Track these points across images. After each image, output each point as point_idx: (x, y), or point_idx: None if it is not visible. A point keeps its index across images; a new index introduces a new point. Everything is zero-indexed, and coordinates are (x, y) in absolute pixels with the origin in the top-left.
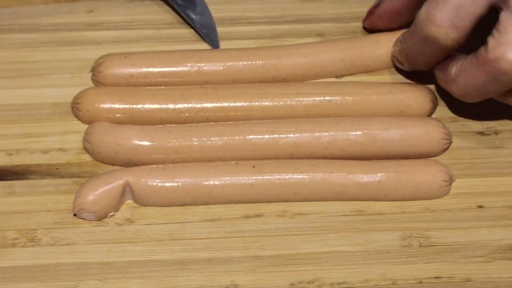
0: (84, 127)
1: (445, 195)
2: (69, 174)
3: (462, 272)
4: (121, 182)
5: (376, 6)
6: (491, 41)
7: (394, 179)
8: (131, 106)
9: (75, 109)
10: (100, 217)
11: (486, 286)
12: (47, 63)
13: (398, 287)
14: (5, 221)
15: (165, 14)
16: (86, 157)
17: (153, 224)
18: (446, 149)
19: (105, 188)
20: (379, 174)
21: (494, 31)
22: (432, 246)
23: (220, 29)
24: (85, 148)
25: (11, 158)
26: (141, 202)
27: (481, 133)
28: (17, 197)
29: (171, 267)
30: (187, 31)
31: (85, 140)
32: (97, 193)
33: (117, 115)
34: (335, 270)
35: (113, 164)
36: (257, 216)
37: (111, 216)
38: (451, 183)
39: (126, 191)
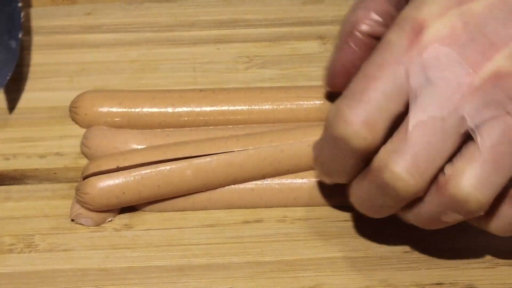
0: (82, 131)
1: None
2: (67, 179)
3: (464, 278)
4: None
5: (331, 62)
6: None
7: None
8: (129, 110)
9: (73, 113)
10: (98, 222)
11: None
12: (44, 66)
13: None
14: (1, 227)
15: (165, 17)
16: (84, 162)
17: (152, 229)
18: None
19: None
20: None
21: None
22: (434, 251)
23: (219, 32)
24: (83, 153)
25: (8, 162)
26: (139, 206)
27: None
28: (13, 202)
29: (169, 273)
30: (187, 34)
31: (83, 144)
32: None
33: (115, 119)
34: (336, 276)
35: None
36: (257, 221)
37: (109, 221)
38: None
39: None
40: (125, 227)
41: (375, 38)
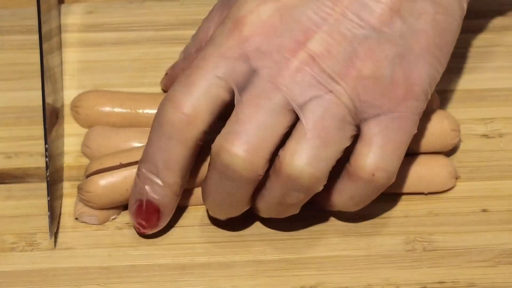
0: (83, 130)
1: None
2: (68, 177)
3: (466, 277)
4: None
5: (171, 68)
6: None
7: (401, 172)
8: (131, 111)
9: (74, 112)
10: (102, 221)
11: None
12: None
13: None
14: (3, 225)
15: (166, 16)
16: (85, 160)
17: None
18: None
19: None
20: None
21: None
22: (436, 250)
23: None
24: (84, 153)
25: (10, 161)
26: None
27: (485, 136)
28: (15, 200)
29: (172, 272)
30: (188, 33)
31: (84, 145)
32: None
33: (117, 119)
34: (338, 274)
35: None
36: (259, 219)
37: (113, 219)
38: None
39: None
40: (127, 226)
41: None
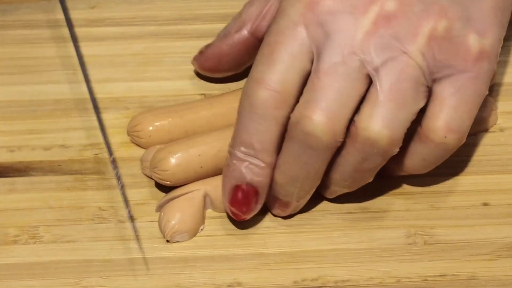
0: (89, 124)
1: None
2: (71, 171)
3: (467, 270)
4: (201, 194)
5: (207, 46)
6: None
7: None
8: (189, 122)
9: (135, 137)
10: (193, 235)
11: (491, 284)
12: (49, 59)
13: (402, 285)
14: (6, 218)
15: (169, 11)
16: (88, 154)
17: (156, 221)
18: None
19: (189, 205)
20: None
21: None
22: (437, 243)
23: (222, 25)
24: (159, 179)
25: (13, 154)
26: (221, 209)
27: (486, 130)
28: (18, 194)
29: (174, 265)
30: (190, 28)
31: (158, 169)
32: (184, 212)
33: (177, 134)
34: (339, 267)
35: (188, 182)
36: (261, 213)
37: (201, 230)
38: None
39: (206, 202)
40: (130, 219)
41: (259, 39)
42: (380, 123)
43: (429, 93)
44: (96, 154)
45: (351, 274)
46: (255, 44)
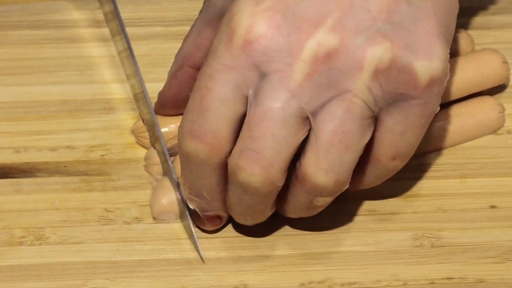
0: (93, 125)
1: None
2: (77, 172)
3: (474, 273)
4: None
5: (159, 93)
6: None
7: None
8: None
9: (140, 138)
10: (179, 216)
11: (499, 287)
12: (55, 60)
13: None
14: (12, 219)
15: (174, 11)
16: (94, 155)
17: (162, 223)
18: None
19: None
20: (440, 122)
21: None
22: (444, 246)
23: None
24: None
25: (19, 155)
26: None
27: (494, 132)
28: (24, 195)
29: (179, 266)
30: None
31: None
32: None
33: None
34: (346, 270)
35: None
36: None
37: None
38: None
39: None
40: (135, 220)
41: None
42: (325, 169)
43: (375, 120)
44: (102, 155)
45: (358, 276)
46: None
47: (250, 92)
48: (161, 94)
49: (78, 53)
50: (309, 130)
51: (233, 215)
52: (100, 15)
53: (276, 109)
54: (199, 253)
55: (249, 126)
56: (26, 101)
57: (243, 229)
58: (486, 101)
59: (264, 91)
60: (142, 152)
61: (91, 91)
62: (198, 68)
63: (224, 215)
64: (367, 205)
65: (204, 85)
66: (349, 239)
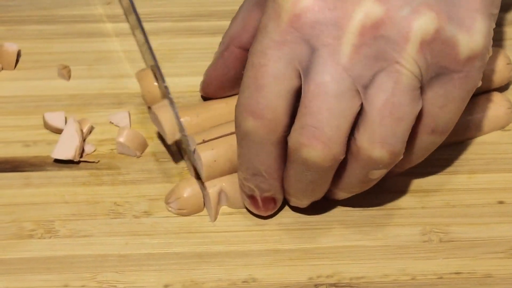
0: (102, 119)
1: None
2: (87, 166)
3: (482, 268)
4: (216, 191)
5: (206, 73)
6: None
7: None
8: (206, 121)
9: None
10: (186, 213)
11: (507, 282)
12: (64, 55)
13: (417, 282)
14: (22, 213)
15: (183, 7)
16: (104, 149)
17: (171, 216)
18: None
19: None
20: None
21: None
22: (452, 241)
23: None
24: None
25: (28, 149)
26: (236, 205)
27: (502, 128)
28: (34, 188)
29: (188, 260)
30: (205, 24)
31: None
32: (194, 193)
33: (194, 132)
34: (354, 264)
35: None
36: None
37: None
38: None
39: (221, 198)
40: (145, 214)
41: None
42: (380, 142)
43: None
44: (112, 149)
45: (366, 271)
46: None
47: (302, 66)
48: (206, 74)
49: (87, 48)
50: (361, 104)
51: (290, 196)
52: (108, 10)
53: (329, 83)
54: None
55: (305, 102)
56: (35, 95)
57: (251, 223)
58: (494, 97)
59: (315, 66)
60: (150, 147)
61: (99, 86)
62: (244, 48)
63: (279, 197)
64: (376, 200)
65: (257, 62)
66: (358, 234)
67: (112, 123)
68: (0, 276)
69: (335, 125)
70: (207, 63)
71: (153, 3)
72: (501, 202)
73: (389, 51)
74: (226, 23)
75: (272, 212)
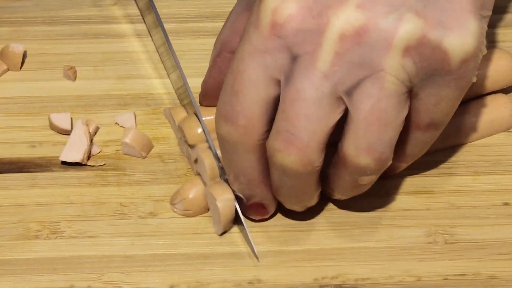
0: (107, 120)
1: None
2: (92, 166)
3: (487, 270)
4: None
5: (203, 82)
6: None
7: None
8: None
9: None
10: (190, 214)
11: None
12: (70, 56)
13: (422, 284)
14: (28, 213)
15: (189, 8)
16: (109, 150)
17: (176, 217)
18: None
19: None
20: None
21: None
22: (457, 243)
23: None
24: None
25: (34, 150)
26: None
27: (507, 130)
28: (40, 189)
29: (194, 261)
30: (210, 25)
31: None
32: (200, 196)
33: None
34: (359, 266)
35: None
36: (282, 211)
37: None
38: None
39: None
40: (150, 215)
41: None
42: (365, 149)
43: (411, 93)
44: (117, 150)
45: (371, 272)
46: None
47: (283, 74)
48: (204, 83)
49: (93, 49)
50: (345, 110)
51: (281, 200)
52: (114, 11)
53: (308, 89)
54: (253, 251)
55: (282, 107)
56: (41, 96)
57: (257, 224)
58: (499, 98)
59: (296, 73)
60: (156, 148)
61: (105, 87)
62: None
63: (268, 203)
64: (380, 201)
65: (236, 68)
66: (363, 235)
67: (118, 124)
68: (6, 277)
69: (312, 131)
70: None
71: (158, 4)
72: (506, 204)
73: (374, 57)
74: None
75: (266, 217)
